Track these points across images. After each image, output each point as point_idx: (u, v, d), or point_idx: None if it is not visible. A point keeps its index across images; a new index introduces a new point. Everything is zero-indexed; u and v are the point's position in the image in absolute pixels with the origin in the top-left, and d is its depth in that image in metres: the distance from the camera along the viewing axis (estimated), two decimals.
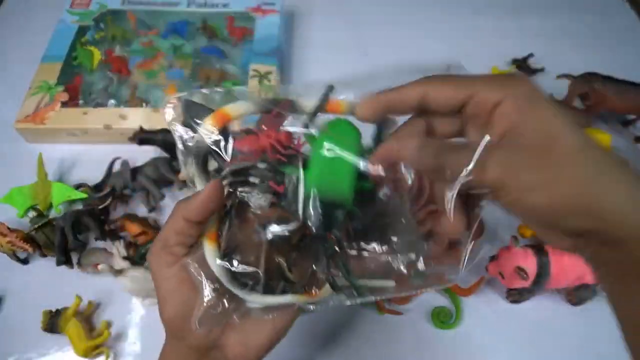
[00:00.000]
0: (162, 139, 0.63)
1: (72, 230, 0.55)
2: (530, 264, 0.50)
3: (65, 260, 0.55)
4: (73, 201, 0.60)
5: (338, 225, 0.33)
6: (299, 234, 0.33)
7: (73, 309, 0.52)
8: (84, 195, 0.60)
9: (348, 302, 0.33)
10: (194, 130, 0.32)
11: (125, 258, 0.55)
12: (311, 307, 0.34)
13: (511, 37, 0.81)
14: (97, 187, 0.62)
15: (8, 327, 0.54)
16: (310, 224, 0.31)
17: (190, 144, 0.32)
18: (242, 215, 0.34)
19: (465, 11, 0.86)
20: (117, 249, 0.55)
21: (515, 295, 0.54)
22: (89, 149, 0.67)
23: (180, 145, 0.32)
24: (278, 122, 0.32)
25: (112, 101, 0.69)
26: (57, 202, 0.59)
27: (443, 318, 0.53)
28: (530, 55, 0.77)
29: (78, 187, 0.62)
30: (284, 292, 0.33)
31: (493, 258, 0.53)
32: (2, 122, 0.67)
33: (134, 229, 0.57)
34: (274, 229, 0.32)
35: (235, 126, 0.33)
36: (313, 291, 0.34)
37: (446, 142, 0.27)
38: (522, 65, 0.77)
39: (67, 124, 0.65)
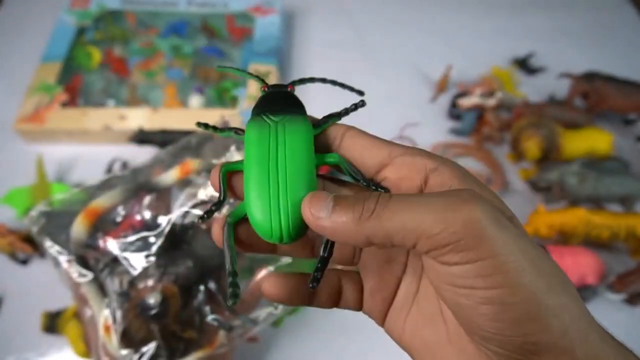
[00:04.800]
0: (162, 139, 0.63)
1: None
2: None
3: None
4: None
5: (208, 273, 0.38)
6: (175, 299, 0.37)
7: (73, 309, 0.52)
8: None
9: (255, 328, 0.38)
10: (60, 241, 0.37)
11: None
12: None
13: (511, 37, 0.81)
14: None
15: (7, 327, 0.53)
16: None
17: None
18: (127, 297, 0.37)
19: (466, 11, 0.85)
20: None
21: None
22: (89, 149, 0.67)
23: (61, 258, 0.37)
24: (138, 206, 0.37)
25: (112, 101, 0.68)
26: None
27: None
28: (531, 54, 0.77)
29: (78, 187, 0.62)
30: (185, 352, 0.36)
31: None
32: (2, 122, 0.67)
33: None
34: (151, 303, 0.36)
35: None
36: (212, 340, 0.37)
37: None
38: (523, 64, 0.76)
39: (67, 124, 0.65)
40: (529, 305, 0.17)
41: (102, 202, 0.32)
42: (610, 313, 0.54)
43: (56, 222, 0.39)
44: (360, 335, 0.53)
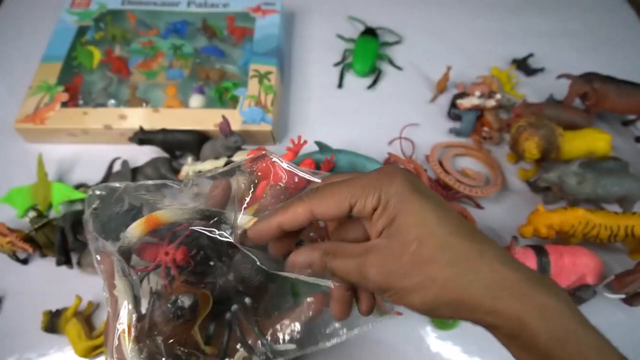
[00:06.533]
0: (162, 139, 0.63)
1: (72, 230, 0.55)
2: (530, 264, 0.50)
3: (65, 260, 0.55)
4: (73, 201, 0.60)
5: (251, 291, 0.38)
6: (207, 306, 0.36)
7: (73, 309, 0.52)
8: (84, 196, 0.60)
9: None
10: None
11: None
12: None
13: (511, 37, 0.81)
14: None
15: (8, 327, 0.53)
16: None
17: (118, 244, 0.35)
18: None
19: (465, 11, 0.86)
20: None
21: None
22: (89, 149, 0.67)
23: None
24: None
25: (112, 101, 0.69)
26: (57, 202, 0.59)
27: (443, 318, 0.53)
28: (530, 55, 0.77)
29: (78, 187, 0.62)
30: None
31: None
32: (2, 122, 0.67)
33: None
34: (182, 303, 0.35)
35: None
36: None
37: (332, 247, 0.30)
38: (522, 65, 0.77)
39: (67, 124, 0.65)
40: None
41: (167, 215, 0.32)
42: (609, 313, 0.54)
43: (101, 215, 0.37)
44: (359, 334, 0.53)
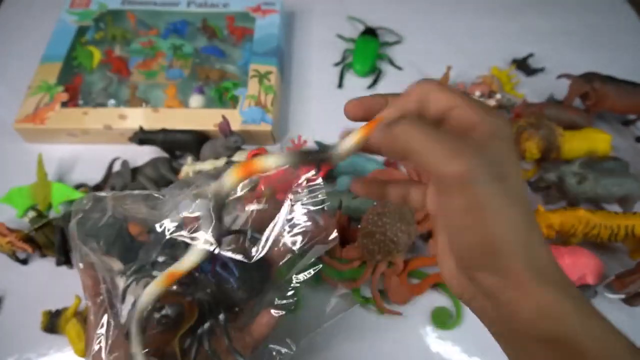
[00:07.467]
0: (162, 139, 0.63)
1: None
2: None
3: (65, 260, 0.55)
4: (73, 201, 0.60)
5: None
6: (191, 317, 0.36)
7: (73, 309, 0.52)
8: (84, 195, 0.60)
9: None
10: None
11: None
12: None
13: (511, 37, 0.81)
14: (97, 187, 0.62)
15: (8, 327, 0.53)
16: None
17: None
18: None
19: (466, 11, 0.86)
20: None
21: None
22: (89, 149, 0.67)
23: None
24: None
25: (112, 101, 0.69)
26: (56, 202, 0.59)
27: (443, 318, 0.53)
28: (530, 55, 0.77)
29: (78, 187, 0.62)
30: None
31: None
32: (2, 122, 0.67)
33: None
34: (169, 312, 0.35)
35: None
36: None
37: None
38: (522, 65, 0.77)
39: (67, 124, 0.65)
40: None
41: (266, 162, 0.27)
42: (609, 313, 0.53)
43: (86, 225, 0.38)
44: (359, 334, 0.53)
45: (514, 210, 0.23)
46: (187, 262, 0.31)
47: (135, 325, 0.33)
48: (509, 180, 0.23)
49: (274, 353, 0.40)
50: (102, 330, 0.35)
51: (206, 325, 0.37)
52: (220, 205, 0.29)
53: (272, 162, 0.26)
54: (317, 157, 0.26)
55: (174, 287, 0.37)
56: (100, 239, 0.38)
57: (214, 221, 0.29)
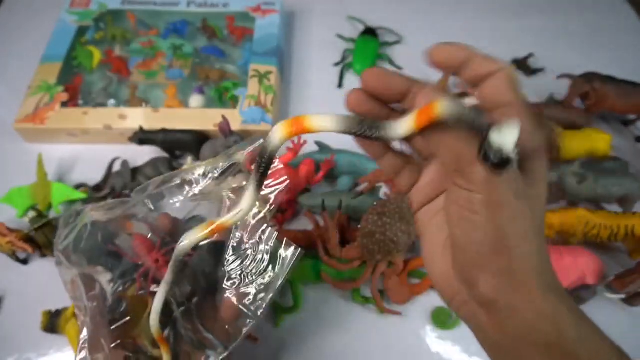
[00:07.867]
0: (162, 139, 0.63)
1: None
2: None
3: None
4: (73, 201, 0.60)
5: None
6: (142, 310, 0.38)
7: (73, 309, 0.52)
8: (84, 195, 0.60)
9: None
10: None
11: None
12: None
13: (511, 38, 0.81)
14: (97, 187, 0.62)
15: (8, 327, 0.53)
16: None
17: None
18: None
19: (465, 11, 0.86)
20: None
21: None
22: (89, 149, 0.67)
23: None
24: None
25: (112, 101, 0.69)
26: (56, 202, 0.59)
27: (443, 318, 0.53)
28: (530, 55, 0.77)
29: (78, 187, 0.62)
30: None
31: None
32: (2, 122, 0.67)
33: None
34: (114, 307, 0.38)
35: None
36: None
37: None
38: (522, 65, 0.77)
39: (67, 124, 0.65)
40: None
41: (317, 121, 0.26)
42: (609, 313, 0.54)
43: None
44: (359, 334, 0.53)
45: (531, 214, 0.23)
46: (235, 216, 0.28)
47: (173, 266, 0.32)
48: (535, 186, 0.23)
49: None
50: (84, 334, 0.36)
51: (178, 311, 0.38)
52: (269, 160, 0.27)
53: (324, 124, 0.25)
54: (372, 133, 0.25)
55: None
56: (85, 252, 0.40)
57: (257, 180, 0.27)
